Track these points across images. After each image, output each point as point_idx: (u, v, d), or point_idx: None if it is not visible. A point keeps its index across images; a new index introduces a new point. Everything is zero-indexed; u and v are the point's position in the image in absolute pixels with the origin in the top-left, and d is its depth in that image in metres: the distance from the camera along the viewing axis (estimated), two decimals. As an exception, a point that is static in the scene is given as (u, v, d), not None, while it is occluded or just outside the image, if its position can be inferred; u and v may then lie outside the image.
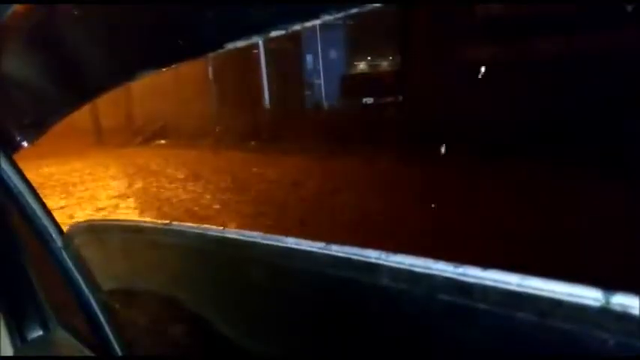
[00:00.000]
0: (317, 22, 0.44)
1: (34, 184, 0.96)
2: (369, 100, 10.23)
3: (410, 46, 7.78)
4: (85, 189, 7.05)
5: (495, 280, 0.40)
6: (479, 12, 6.44)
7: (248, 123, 10.12)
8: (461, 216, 3.94)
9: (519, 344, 0.40)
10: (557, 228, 3.27)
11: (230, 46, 0.52)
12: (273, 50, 10.82)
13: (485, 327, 0.42)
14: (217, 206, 5.45)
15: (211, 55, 0.60)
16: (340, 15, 0.43)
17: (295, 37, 10.22)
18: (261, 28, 0.48)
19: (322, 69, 11.15)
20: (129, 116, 13.90)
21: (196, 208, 5.45)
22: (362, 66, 13.06)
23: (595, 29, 4.96)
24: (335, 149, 7.26)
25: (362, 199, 4.92)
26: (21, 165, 0.94)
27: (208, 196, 5.92)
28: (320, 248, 0.54)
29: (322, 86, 11.15)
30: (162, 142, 11.96)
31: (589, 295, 0.35)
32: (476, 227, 3.60)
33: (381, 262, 0.48)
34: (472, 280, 0.41)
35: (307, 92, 11.03)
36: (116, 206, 5.87)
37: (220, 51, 0.54)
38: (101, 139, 13.29)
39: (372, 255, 0.49)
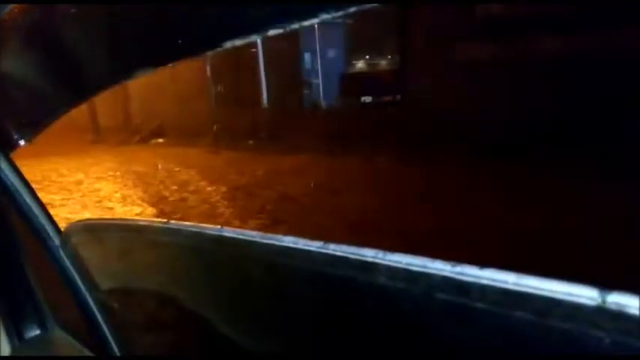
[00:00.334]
0: (315, 21, 0.44)
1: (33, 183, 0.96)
2: (367, 99, 10.23)
3: (409, 44, 7.78)
4: (82, 190, 7.03)
5: (492, 279, 0.40)
6: (478, 11, 6.44)
7: (246, 122, 10.11)
8: (460, 215, 3.95)
9: (516, 343, 0.40)
10: (556, 228, 3.28)
11: (228, 44, 0.52)
12: (272, 49, 10.81)
13: (483, 326, 0.42)
14: (217, 203, 5.45)
15: (209, 53, 0.60)
16: (339, 14, 0.43)
17: (293, 35, 10.21)
18: (259, 27, 0.48)
19: (321, 68, 11.14)
20: (126, 115, 13.88)
21: (194, 204, 5.45)
22: (360, 65, 13.05)
23: (595, 29, 4.97)
24: (334, 148, 7.26)
25: (361, 197, 4.92)
26: (18, 163, 0.94)
27: (206, 193, 5.92)
28: (318, 247, 0.54)
29: (321, 85, 11.15)
30: (160, 140, 11.94)
31: (585, 294, 0.35)
32: (475, 227, 3.61)
33: (378, 261, 0.48)
34: (469, 279, 0.42)
35: (306, 91, 11.02)
36: (116, 206, 5.86)
37: (218, 50, 0.54)
38: (98, 137, 13.26)
39: (370, 254, 0.49)
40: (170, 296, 0.83)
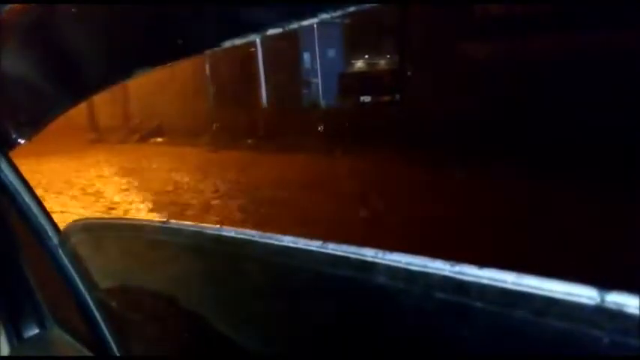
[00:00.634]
0: (315, 20, 0.44)
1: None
2: (366, 99, 10.23)
3: (408, 44, 7.78)
4: (84, 188, 7.02)
5: (492, 279, 0.40)
6: (477, 11, 6.45)
7: (245, 121, 10.10)
8: (459, 215, 3.95)
9: (515, 342, 0.40)
10: (556, 228, 3.28)
11: (227, 44, 0.52)
12: (271, 48, 10.80)
13: (482, 325, 0.42)
14: (216, 202, 5.45)
15: (208, 52, 0.60)
16: (338, 13, 0.43)
17: (293, 35, 10.20)
18: (258, 26, 0.48)
19: (320, 67, 11.14)
20: (125, 114, 13.86)
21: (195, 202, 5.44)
22: (360, 64, 13.05)
23: (595, 29, 4.97)
24: (332, 147, 7.26)
25: (359, 196, 4.92)
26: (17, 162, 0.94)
27: (206, 192, 5.91)
28: (317, 247, 0.54)
29: (320, 85, 11.14)
30: (159, 140, 11.93)
31: (584, 294, 0.35)
32: (474, 227, 3.61)
33: (377, 260, 0.48)
34: (468, 279, 0.42)
35: (305, 91, 11.02)
36: (117, 205, 5.86)
37: (218, 49, 0.54)
38: (97, 136, 13.24)
39: (369, 253, 0.49)
40: (169, 295, 0.83)
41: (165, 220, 0.76)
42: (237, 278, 0.68)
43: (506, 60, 6.00)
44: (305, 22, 0.45)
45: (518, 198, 4.11)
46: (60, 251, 0.94)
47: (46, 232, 0.94)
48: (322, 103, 10.95)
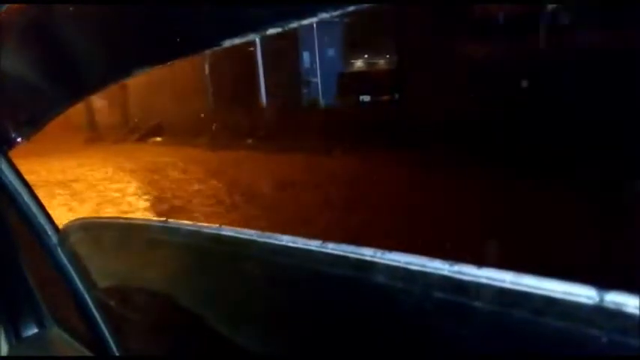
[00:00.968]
0: (314, 20, 0.44)
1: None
2: (366, 98, 10.23)
3: (407, 44, 7.78)
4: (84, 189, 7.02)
5: (490, 278, 0.40)
6: (477, 11, 6.45)
7: (244, 121, 10.10)
8: (459, 215, 3.95)
9: (514, 342, 0.40)
10: (556, 228, 3.29)
11: (227, 43, 0.52)
12: (270, 48, 10.80)
13: (481, 324, 0.42)
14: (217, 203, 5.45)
15: (208, 52, 0.60)
16: (337, 13, 0.43)
17: (292, 34, 10.20)
18: (257, 26, 0.48)
19: (319, 67, 11.14)
20: (124, 113, 13.85)
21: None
22: (359, 64, 13.05)
23: (594, 29, 4.97)
24: (332, 147, 7.26)
25: (358, 196, 4.92)
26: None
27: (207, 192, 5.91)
28: (316, 246, 0.54)
29: (319, 84, 11.15)
30: (158, 139, 11.92)
31: (583, 293, 0.36)
32: (473, 227, 3.61)
33: (376, 260, 0.48)
34: (467, 278, 0.42)
35: (304, 90, 11.02)
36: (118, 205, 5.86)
37: (217, 48, 0.54)
38: (96, 136, 13.23)
39: (368, 253, 0.49)
40: (168, 294, 0.83)
41: (164, 219, 0.76)
42: (236, 277, 0.68)
43: (505, 60, 6.01)
44: (304, 22, 0.45)
45: (517, 198, 4.11)
46: (59, 250, 0.94)
47: (45, 231, 0.94)
48: (322, 102, 10.96)
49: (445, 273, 0.43)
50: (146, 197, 6.08)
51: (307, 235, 0.56)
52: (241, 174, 6.80)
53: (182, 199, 5.86)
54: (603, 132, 4.41)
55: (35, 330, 1.09)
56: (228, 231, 0.65)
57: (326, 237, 0.54)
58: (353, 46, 11.93)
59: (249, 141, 9.38)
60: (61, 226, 0.96)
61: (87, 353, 0.98)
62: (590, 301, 0.35)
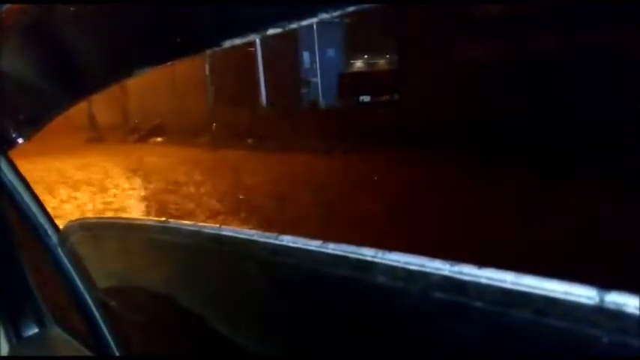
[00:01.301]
0: (314, 20, 0.44)
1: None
2: (366, 99, 10.24)
3: (407, 44, 7.78)
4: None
5: (491, 279, 0.40)
6: (477, 11, 6.45)
7: (245, 121, 10.10)
8: (458, 215, 3.95)
9: (514, 342, 0.40)
10: (555, 228, 3.28)
11: (227, 43, 0.52)
12: (270, 48, 10.80)
13: (481, 325, 0.42)
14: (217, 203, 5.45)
15: (208, 52, 0.60)
16: (338, 13, 0.43)
17: (292, 35, 10.20)
18: (258, 26, 0.48)
19: (319, 67, 11.15)
20: (125, 113, 13.86)
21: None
22: (359, 64, 13.06)
23: (594, 28, 4.97)
24: (332, 147, 7.26)
25: (358, 196, 4.92)
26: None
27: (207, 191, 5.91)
28: (317, 246, 0.54)
29: (319, 84, 11.16)
30: (159, 139, 11.93)
31: (583, 294, 0.35)
32: (473, 227, 3.61)
33: (377, 260, 0.48)
34: (468, 278, 0.42)
35: (304, 90, 11.03)
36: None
37: (217, 49, 0.54)
38: (96, 136, 13.24)
39: (368, 253, 0.49)
40: (168, 295, 0.83)
41: (164, 219, 0.76)
42: (236, 277, 0.68)
43: (505, 60, 6.01)
44: (305, 22, 0.45)
45: (517, 197, 4.11)
46: (59, 250, 0.94)
47: (45, 231, 0.94)
48: (322, 102, 10.97)
49: (446, 273, 0.43)
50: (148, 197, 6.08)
51: (309, 234, 0.56)
52: (242, 173, 6.80)
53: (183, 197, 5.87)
54: (605, 132, 4.40)
55: (35, 330, 1.09)
56: (228, 231, 0.65)
57: (327, 236, 0.54)
58: (353, 46, 11.94)
59: (250, 141, 9.39)
60: (61, 226, 0.96)
61: (87, 353, 0.98)
62: (590, 302, 0.35)
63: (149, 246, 0.82)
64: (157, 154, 9.48)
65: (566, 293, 0.36)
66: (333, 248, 0.52)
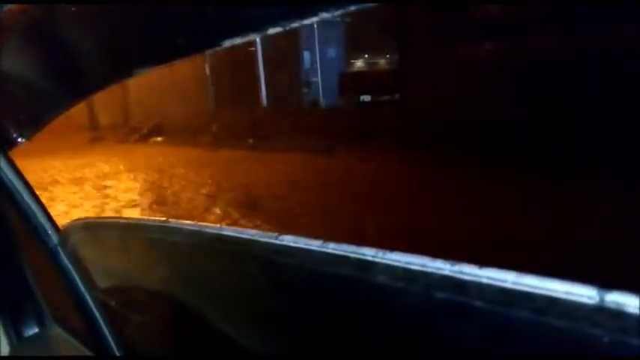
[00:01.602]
0: (315, 19, 0.44)
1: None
2: (366, 98, 10.25)
3: (408, 43, 7.78)
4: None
5: (491, 278, 0.40)
6: (477, 11, 6.44)
7: (245, 120, 10.11)
8: (458, 215, 3.95)
9: (515, 341, 0.41)
10: (555, 228, 3.28)
11: (228, 43, 0.52)
12: (271, 48, 10.80)
13: (482, 324, 0.42)
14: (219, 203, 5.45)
15: (209, 52, 0.60)
16: (338, 13, 0.43)
17: (293, 34, 10.20)
18: (258, 26, 0.48)
19: (320, 67, 11.15)
20: (125, 113, 13.87)
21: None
22: (360, 64, 13.06)
23: (593, 29, 4.97)
24: (332, 147, 7.26)
25: (358, 196, 4.92)
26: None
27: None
28: (317, 246, 0.54)
29: (320, 84, 11.15)
30: (159, 139, 11.93)
31: (584, 293, 0.36)
32: (473, 227, 3.61)
33: (377, 260, 0.48)
34: (468, 278, 0.42)
35: (305, 90, 11.03)
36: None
37: (218, 48, 0.54)
38: (97, 136, 13.25)
39: (369, 253, 0.49)
40: (169, 295, 0.83)
41: (165, 219, 0.76)
42: (237, 277, 0.68)
43: (505, 60, 6.00)
44: (306, 21, 0.45)
45: (517, 198, 4.11)
46: (59, 250, 0.94)
47: (46, 231, 0.94)
48: (322, 102, 10.97)
49: (446, 273, 0.43)
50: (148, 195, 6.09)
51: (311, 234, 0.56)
52: (242, 173, 6.80)
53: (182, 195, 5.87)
54: (605, 132, 4.40)
55: (36, 329, 1.09)
56: (229, 231, 0.65)
57: (328, 236, 0.54)
58: (354, 46, 11.94)
59: (250, 141, 9.39)
60: (61, 226, 0.96)
61: (88, 353, 0.98)
62: (590, 301, 0.35)
63: (150, 246, 0.82)
64: (158, 154, 9.49)
65: (566, 293, 0.36)
66: (333, 248, 0.52)
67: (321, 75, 11.14)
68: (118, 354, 0.91)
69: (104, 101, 12.86)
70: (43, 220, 0.95)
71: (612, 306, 0.34)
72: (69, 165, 8.82)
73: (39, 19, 0.67)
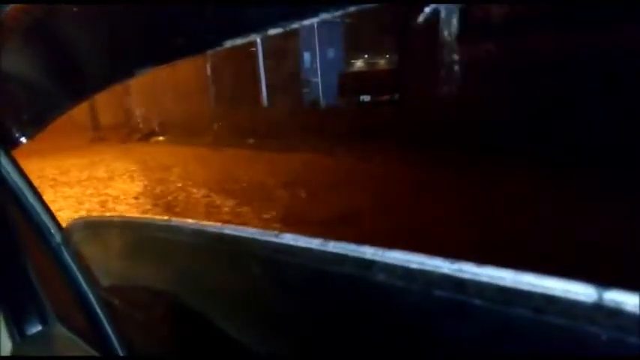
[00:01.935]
0: (316, 20, 0.44)
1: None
2: (366, 98, 10.25)
3: (407, 44, 7.78)
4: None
5: (490, 277, 0.41)
6: (477, 11, 6.44)
7: (246, 120, 10.11)
8: (458, 215, 3.95)
9: (514, 340, 0.41)
10: (554, 228, 3.28)
11: (228, 43, 0.52)
12: (271, 48, 10.80)
13: (481, 323, 0.42)
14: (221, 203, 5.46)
15: (209, 52, 0.60)
16: (338, 13, 0.43)
17: (293, 34, 10.20)
18: (259, 26, 0.48)
19: (320, 67, 11.15)
20: (127, 113, 13.88)
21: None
22: (359, 64, 13.05)
23: (593, 29, 4.97)
24: (332, 147, 7.26)
25: (359, 196, 4.92)
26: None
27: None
28: (318, 245, 0.54)
29: (320, 84, 11.15)
30: (161, 139, 11.94)
31: (582, 292, 0.36)
32: (472, 227, 3.61)
33: (377, 258, 0.48)
34: (467, 276, 0.42)
35: (305, 90, 11.03)
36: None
37: (219, 48, 0.54)
38: (99, 135, 13.26)
39: (369, 251, 0.49)
40: (171, 293, 0.83)
41: (167, 217, 0.76)
42: (238, 276, 0.68)
43: (505, 60, 6.00)
44: (306, 22, 0.45)
45: (517, 197, 4.11)
46: (62, 249, 0.94)
47: (49, 230, 0.95)
48: (322, 102, 10.96)
49: (445, 271, 0.43)
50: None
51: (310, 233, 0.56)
52: (242, 173, 6.80)
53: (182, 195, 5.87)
54: (605, 132, 4.40)
55: (39, 328, 1.09)
56: (230, 229, 0.65)
57: (328, 235, 0.54)
58: (353, 46, 11.93)
59: (251, 140, 9.39)
60: (64, 225, 0.96)
61: (91, 352, 0.98)
62: (589, 299, 0.35)
63: (152, 244, 0.82)
64: (159, 153, 9.49)
65: (565, 291, 0.37)
66: (333, 246, 0.52)
67: (321, 75, 11.14)
68: (120, 352, 0.91)
69: (106, 101, 12.86)
70: (45, 218, 0.95)
71: (611, 304, 0.34)
72: (67, 165, 8.82)
73: (40, 20, 0.67)
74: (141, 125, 12.92)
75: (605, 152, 4.12)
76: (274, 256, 0.59)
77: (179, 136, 11.10)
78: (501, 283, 0.40)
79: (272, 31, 0.48)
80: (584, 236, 2.96)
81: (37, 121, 0.87)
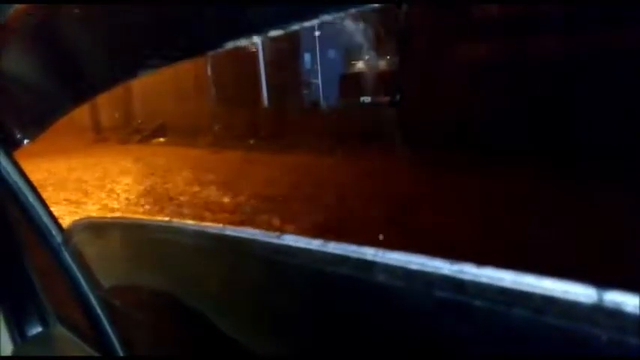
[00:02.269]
0: (316, 21, 0.45)
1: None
2: (367, 100, 10.24)
3: (408, 45, 7.78)
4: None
5: (490, 278, 0.41)
6: (477, 11, 6.44)
7: (246, 122, 10.12)
8: (458, 216, 3.95)
9: (514, 340, 0.41)
10: (554, 228, 3.28)
11: (229, 45, 0.52)
12: (272, 49, 10.81)
13: (481, 323, 0.42)
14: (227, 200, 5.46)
15: (210, 53, 0.61)
16: (339, 15, 0.43)
17: (294, 36, 10.21)
18: (260, 28, 0.49)
19: (320, 68, 11.15)
20: (128, 114, 13.89)
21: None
22: (360, 65, 13.03)
23: (593, 29, 4.97)
24: (333, 147, 7.26)
25: (359, 197, 4.92)
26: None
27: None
28: (318, 246, 0.54)
29: (320, 85, 11.16)
30: (162, 140, 11.95)
31: (582, 293, 0.36)
32: (473, 227, 3.61)
33: (377, 259, 0.48)
34: (467, 277, 0.42)
35: (305, 91, 11.03)
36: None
37: (220, 50, 0.55)
38: (100, 136, 13.28)
39: (369, 252, 0.49)
40: (172, 294, 0.83)
41: (168, 218, 0.76)
42: (239, 277, 0.68)
43: (505, 60, 6.00)
44: (306, 23, 0.45)
45: (517, 197, 4.11)
46: (63, 250, 0.94)
47: (50, 231, 0.95)
48: (323, 103, 10.96)
49: (445, 272, 0.43)
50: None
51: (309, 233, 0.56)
52: (242, 173, 6.80)
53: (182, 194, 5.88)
54: (605, 132, 4.39)
55: (39, 329, 1.10)
56: (231, 231, 0.65)
57: (329, 236, 0.54)
58: (354, 47, 11.93)
59: (251, 141, 9.39)
60: (65, 226, 0.97)
61: (91, 352, 0.98)
62: (589, 300, 0.35)
63: (153, 245, 0.82)
64: (160, 154, 9.50)
65: (565, 292, 0.37)
66: (334, 247, 0.53)
67: (321, 76, 11.14)
68: (121, 353, 0.91)
69: (107, 102, 12.88)
70: (46, 220, 0.95)
71: (611, 305, 0.34)
72: (70, 165, 8.83)
73: (43, 21, 0.68)
74: (142, 126, 12.93)
75: (605, 152, 4.12)
76: (275, 257, 0.59)
77: (180, 137, 11.11)
78: (501, 283, 0.40)
79: (273, 33, 0.48)
80: (584, 236, 2.96)
81: (38, 123, 0.87)
